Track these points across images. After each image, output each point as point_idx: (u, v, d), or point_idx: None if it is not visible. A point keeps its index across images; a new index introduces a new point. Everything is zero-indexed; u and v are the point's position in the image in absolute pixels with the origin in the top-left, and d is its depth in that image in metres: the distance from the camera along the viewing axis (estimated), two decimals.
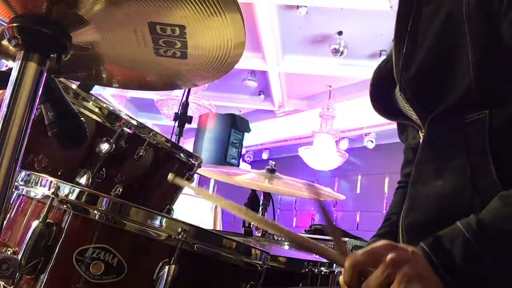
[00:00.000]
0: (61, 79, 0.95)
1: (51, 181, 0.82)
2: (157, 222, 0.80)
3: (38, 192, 0.83)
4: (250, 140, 6.40)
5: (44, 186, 0.83)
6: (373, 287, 0.58)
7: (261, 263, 0.94)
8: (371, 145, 6.09)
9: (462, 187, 0.72)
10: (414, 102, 0.82)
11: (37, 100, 0.65)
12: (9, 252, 0.80)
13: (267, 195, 2.05)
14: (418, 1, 0.83)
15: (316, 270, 1.25)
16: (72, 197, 0.80)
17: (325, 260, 1.50)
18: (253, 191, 2.01)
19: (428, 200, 0.78)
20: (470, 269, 0.61)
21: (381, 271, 0.58)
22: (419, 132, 0.86)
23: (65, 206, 0.80)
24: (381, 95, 0.94)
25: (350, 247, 3.34)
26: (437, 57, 0.78)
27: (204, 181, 7.26)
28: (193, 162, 1.35)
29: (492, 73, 0.72)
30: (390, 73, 0.87)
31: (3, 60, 0.86)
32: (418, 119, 0.83)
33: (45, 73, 0.66)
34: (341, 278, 0.64)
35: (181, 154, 1.30)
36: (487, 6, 0.71)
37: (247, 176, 2.05)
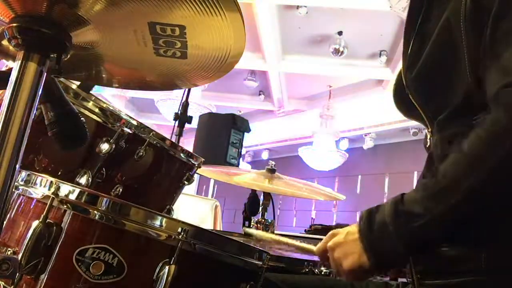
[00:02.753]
0: (61, 79, 0.95)
1: (51, 181, 0.82)
2: (157, 222, 0.80)
3: (38, 192, 0.83)
4: (250, 140, 6.41)
5: (44, 186, 0.83)
6: (332, 266, 0.82)
7: (261, 263, 0.94)
8: (371, 145, 6.09)
9: None
10: (419, 102, 0.83)
11: (37, 100, 0.65)
12: (9, 252, 0.80)
13: (267, 195, 2.05)
14: (428, 2, 0.84)
15: (316, 270, 1.25)
16: (72, 197, 0.80)
17: None
18: (253, 191, 2.01)
19: None
20: (379, 236, 0.74)
21: (329, 257, 0.82)
22: (427, 131, 0.87)
23: (65, 206, 0.80)
24: (400, 95, 0.95)
25: None
26: (437, 60, 0.79)
27: (204, 181, 7.27)
28: (193, 162, 1.35)
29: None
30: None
31: (3, 60, 0.86)
32: (426, 119, 0.85)
33: (45, 73, 0.66)
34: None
35: (181, 154, 1.30)
36: (479, 15, 0.72)
37: (247, 176, 2.05)
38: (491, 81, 0.68)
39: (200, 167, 1.39)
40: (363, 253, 0.75)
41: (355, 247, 0.76)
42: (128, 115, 1.17)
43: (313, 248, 0.89)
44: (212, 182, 7.35)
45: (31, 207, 0.86)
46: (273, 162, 1.95)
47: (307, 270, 1.24)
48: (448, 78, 0.77)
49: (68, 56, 0.70)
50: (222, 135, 4.14)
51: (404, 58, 0.86)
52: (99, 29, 0.68)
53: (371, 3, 3.85)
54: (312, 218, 6.85)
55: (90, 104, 1.08)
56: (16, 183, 0.85)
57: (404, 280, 0.91)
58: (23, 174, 0.88)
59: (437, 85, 0.79)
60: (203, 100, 5.51)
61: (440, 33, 0.78)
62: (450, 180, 0.69)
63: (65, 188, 0.80)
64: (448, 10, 0.77)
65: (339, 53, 4.55)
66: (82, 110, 1.06)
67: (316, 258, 0.93)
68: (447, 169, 0.70)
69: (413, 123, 5.05)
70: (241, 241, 0.91)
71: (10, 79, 0.64)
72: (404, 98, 0.89)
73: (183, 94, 2.40)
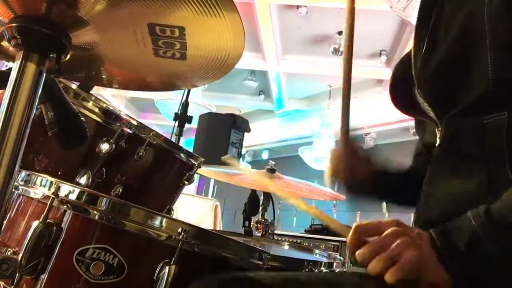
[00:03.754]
0: (61, 79, 0.95)
1: (51, 181, 0.82)
2: (157, 222, 0.80)
3: (38, 192, 0.83)
4: (250, 140, 6.40)
5: (44, 186, 0.83)
6: (371, 250, 0.63)
7: (261, 263, 0.94)
8: (371, 145, 6.09)
9: (478, 189, 0.71)
10: (432, 101, 0.81)
11: (37, 100, 0.66)
12: (9, 252, 0.80)
13: (267, 195, 2.05)
14: (442, 0, 0.82)
15: (316, 270, 1.25)
16: (72, 197, 0.80)
17: (325, 260, 1.50)
18: (253, 191, 2.01)
19: (443, 200, 0.78)
20: (473, 256, 0.62)
21: (382, 238, 0.64)
22: (436, 129, 0.85)
23: (65, 206, 0.80)
24: (401, 92, 0.93)
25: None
26: (455, 57, 0.77)
27: (204, 181, 7.27)
28: (193, 162, 1.35)
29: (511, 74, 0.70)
30: (408, 70, 0.86)
31: (3, 60, 0.86)
32: (435, 117, 0.83)
33: (45, 73, 0.66)
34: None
35: (181, 154, 1.30)
36: (510, 5, 0.70)
37: (247, 176, 2.05)
38: None
39: (200, 167, 1.39)
40: (439, 275, 0.62)
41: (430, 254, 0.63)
42: (128, 115, 1.17)
43: (343, 226, 0.76)
44: (212, 182, 7.35)
45: (31, 207, 0.86)
46: (273, 162, 1.95)
47: (307, 269, 1.23)
48: (465, 76, 0.75)
49: (68, 57, 0.70)
50: (222, 135, 4.13)
51: (415, 57, 0.83)
52: (99, 30, 0.68)
53: (371, 3, 3.85)
54: (312, 218, 6.84)
55: (90, 104, 1.08)
56: (16, 183, 0.85)
57: None
58: (23, 174, 0.88)
59: (453, 83, 0.77)
60: (203, 100, 5.50)
61: (460, 30, 0.76)
62: None
63: (65, 188, 0.80)
64: (468, 6, 0.75)
65: (339, 53, 4.55)
66: (82, 110, 1.06)
67: (315, 258, 0.92)
68: None
69: (413, 123, 5.04)
70: (241, 241, 0.91)
71: (9, 79, 0.64)
72: (408, 96, 0.87)
73: (183, 94, 2.40)
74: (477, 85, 0.73)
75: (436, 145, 0.84)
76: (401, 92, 0.93)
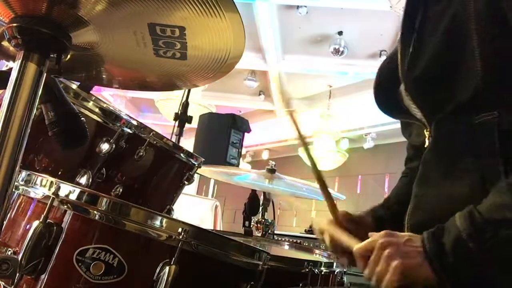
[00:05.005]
0: (61, 79, 0.95)
1: (51, 181, 0.82)
2: (157, 222, 0.80)
3: (38, 192, 0.83)
4: (250, 140, 6.40)
5: (44, 186, 0.83)
6: (370, 267, 0.69)
7: (261, 263, 0.94)
8: (371, 145, 6.09)
9: (471, 189, 0.71)
10: (420, 102, 0.81)
11: (37, 100, 0.66)
12: (9, 252, 0.80)
13: (267, 195, 2.05)
14: (425, 1, 0.82)
15: (316, 270, 1.25)
16: (72, 197, 0.80)
17: (325, 260, 1.50)
18: (253, 191, 2.02)
19: (435, 201, 0.77)
20: (458, 258, 0.63)
21: (373, 255, 0.69)
22: (425, 130, 0.84)
23: (65, 206, 0.80)
24: (386, 94, 0.93)
25: None
26: (443, 57, 0.77)
27: (204, 181, 7.26)
28: (193, 162, 1.35)
29: (501, 73, 0.70)
30: (395, 71, 0.85)
31: (3, 60, 0.86)
32: (424, 118, 0.82)
33: (45, 73, 0.66)
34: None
35: (181, 154, 1.30)
36: (495, 3, 0.69)
37: (247, 176, 2.05)
38: None
39: (200, 167, 1.39)
40: (430, 277, 0.64)
41: (422, 263, 0.65)
42: (128, 115, 1.17)
43: (353, 243, 0.76)
44: (212, 182, 7.34)
45: (32, 207, 0.86)
46: (273, 162, 1.95)
47: (307, 270, 1.23)
48: (454, 77, 0.74)
49: (68, 57, 0.70)
50: (222, 135, 4.13)
51: (402, 59, 0.83)
52: (99, 30, 0.68)
53: (371, 3, 3.84)
54: (312, 218, 6.84)
55: (90, 104, 1.08)
56: (16, 183, 0.85)
57: None
58: (23, 174, 0.88)
59: (442, 84, 0.77)
60: (203, 100, 5.50)
61: (447, 30, 0.76)
62: None
63: (65, 188, 0.80)
64: (453, 6, 0.75)
65: (339, 53, 4.55)
66: (82, 110, 1.06)
67: (315, 258, 0.91)
68: None
69: None
70: (241, 241, 0.91)
71: (10, 79, 0.64)
72: (394, 99, 0.87)
73: (183, 94, 2.40)
74: (467, 85, 0.72)
75: (425, 146, 0.83)
76: (386, 93, 0.93)
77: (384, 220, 0.97)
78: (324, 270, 1.30)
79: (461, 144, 0.75)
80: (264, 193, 2.04)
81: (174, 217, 1.23)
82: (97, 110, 1.10)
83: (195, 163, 1.36)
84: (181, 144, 1.86)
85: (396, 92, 0.89)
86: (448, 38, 0.76)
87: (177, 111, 2.37)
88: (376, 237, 0.70)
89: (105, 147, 1.09)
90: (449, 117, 0.77)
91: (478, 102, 0.72)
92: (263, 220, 1.99)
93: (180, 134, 2.29)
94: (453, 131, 0.77)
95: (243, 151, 5.07)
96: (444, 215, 0.73)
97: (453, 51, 0.75)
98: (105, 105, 1.11)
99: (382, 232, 0.71)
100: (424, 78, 0.79)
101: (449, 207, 0.73)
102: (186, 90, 2.37)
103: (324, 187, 0.90)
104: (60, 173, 1.10)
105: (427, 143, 0.83)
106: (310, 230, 3.85)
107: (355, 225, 0.91)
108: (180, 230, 0.79)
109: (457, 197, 0.73)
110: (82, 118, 0.88)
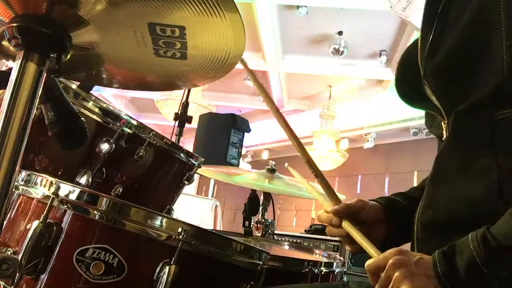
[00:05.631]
0: (61, 79, 0.95)
1: (51, 181, 0.82)
2: (157, 222, 0.80)
3: (38, 192, 0.84)
4: (250, 140, 6.40)
5: (44, 186, 0.83)
6: (379, 285, 0.67)
7: (261, 263, 0.94)
8: (371, 145, 6.09)
9: (487, 190, 0.67)
10: (439, 92, 0.76)
11: (37, 100, 0.66)
12: (9, 252, 0.80)
13: (267, 195, 2.05)
14: None
15: (316, 270, 1.25)
16: (72, 197, 0.80)
17: (325, 260, 1.50)
18: (253, 191, 2.01)
19: (448, 200, 0.73)
20: (471, 282, 0.61)
21: (383, 274, 0.67)
22: (442, 122, 0.80)
23: (65, 206, 0.80)
24: (407, 83, 0.89)
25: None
26: (467, 47, 0.72)
27: (204, 181, 7.26)
28: (193, 162, 1.35)
29: None
30: (416, 59, 0.80)
31: (3, 60, 0.86)
32: (442, 109, 0.78)
33: (45, 73, 0.66)
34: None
35: (181, 154, 1.30)
36: None
37: (247, 176, 2.05)
38: None
39: (200, 167, 1.39)
40: None
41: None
42: (128, 115, 1.17)
43: (372, 251, 0.75)
44: (212, 182, 7.34)
45: (31, 207, 0.86)
46: (273, 162, 1.95)
47: (307, 270, 1.23)
48: (476, 68, 0.70)
49: (68, 56, 0.70)
50: (222, 135, 4.13)
51: (422, 44, 0.78)
52: (99, 30, 0.68)
53: (371, 3, 3.84)
54: (312, 218, 6.84)
55: (90, 104, 1.08)
56: (16, 183, 0.86)
57: None
58: (23, 174, 0.88)
59: (463, 75, 0.73)
60: (203, 100, 5.50)
61: (472, 19, 0.71)
62: None
63: (65, 188, 0.80)
64: None
65: (339, 53, 4.55)
66: (82, 110, 1.06)
67: (315, 258, 0.91)
68: None
69: (414, 122, 5.04)
70: (241, 241, 0.91)
71: (10, 79, 0.64)
72: (415, 86, 0.82)
73: (183, 94, 2.40)
74: (489, 79, 0.69)
75: (443, 139, 0.79)
76: (408, 81, 0.88)
77: (397, 205, 0.98)
78: (324, 270, 1.30)
79: (480, 141, 0.71)
80: (264, 193, 2.04)
81: (174, 217, 1.23)
82: (97, 110, 1.10)
83: (195, 163, 1.36)
84: (181, 144, 1.87)
85: (418, 80, 0.83)
86: (474, 28, 0.72)
87: (177, 111, 2.37)
88: (387, 255, 0.69)
89: (105, 147, 1.09)
90: (469, 110, 0.72)
91: (500, 97, 0.68)
92: (263, 220, 1.99)
93: (180, 134, 2.30)
94: (472, 126, 0.72)
95: (243, 151, 5.07)
96: (456, 216, 0.71)
97: (478, 40, 0.71)
98: (105, 105, 1.11)
99: (394, 250, 0.69)
100: (444, 67, 0.75)
101: (462, 207, 0.71)
102: (186, 90, 2.38)
103: (311, 164, 0.90)
104: (60, 173, 1.10)
105: (444, 136, 0.79)
106: (310, 230, 3.85)
107: (356, 212, 0.93)
108: (180, 230, 0.79)
109: (472, 198, 0.69)
110: (82, 118, 0.88)
